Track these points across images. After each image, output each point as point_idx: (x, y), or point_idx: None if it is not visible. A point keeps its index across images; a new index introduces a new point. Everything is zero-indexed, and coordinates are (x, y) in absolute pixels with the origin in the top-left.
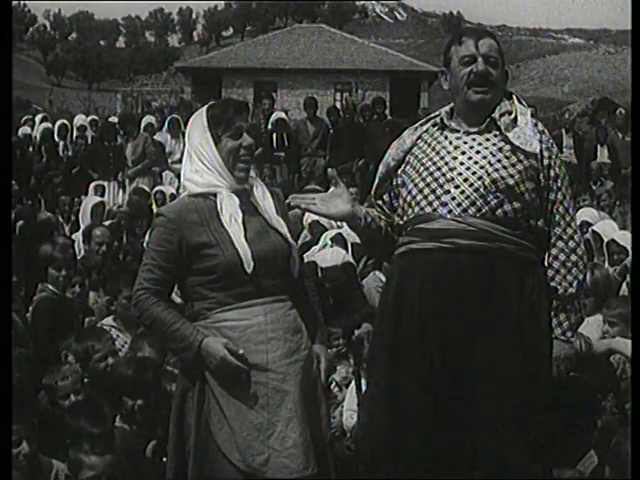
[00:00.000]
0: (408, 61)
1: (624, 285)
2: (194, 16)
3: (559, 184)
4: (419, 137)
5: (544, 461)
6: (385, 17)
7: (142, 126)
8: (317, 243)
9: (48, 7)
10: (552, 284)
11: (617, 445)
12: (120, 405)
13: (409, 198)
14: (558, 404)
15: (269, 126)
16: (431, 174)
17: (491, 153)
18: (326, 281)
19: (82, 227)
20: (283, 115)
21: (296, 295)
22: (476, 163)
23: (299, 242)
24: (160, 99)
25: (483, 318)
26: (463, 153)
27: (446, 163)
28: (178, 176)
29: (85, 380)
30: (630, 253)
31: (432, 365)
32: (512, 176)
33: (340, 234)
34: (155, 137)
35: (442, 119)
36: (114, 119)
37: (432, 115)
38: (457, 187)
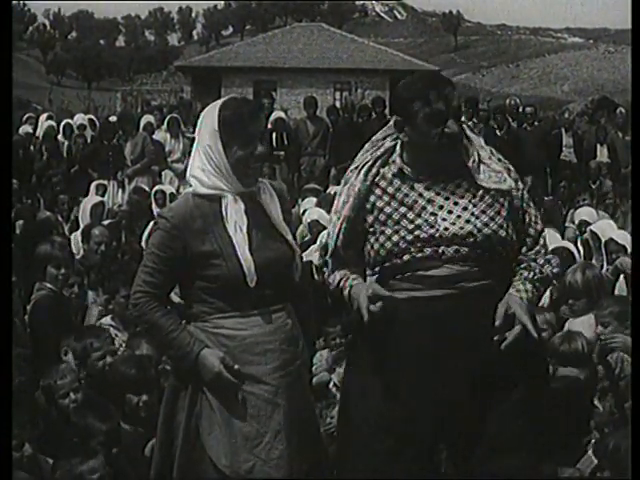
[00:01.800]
0: (408, 60)
1: (617, 284)
2: (194, 15)
3: (527, 202)
4: (373, 183)
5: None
6: (385, 16)
7: (141, 125)
8: (316, 242)
9: (48, 6)
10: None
11: (616, 445)
12: (120, 404)
13: (391, 257)
14: (553, 403)
15: (269, 125)
16: (411, 232)
17: (471, 202)
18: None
19: (81, 227)
20: (282, 114)
21: (296, 299)
22: (459, 217)
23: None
24: (160, 98)
25: (494, 351)
26: (441, 207)
27: (426, 221)
28: (178, 175)
29: (82, 378)
30: (630, 252)
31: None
32: (501, 226)
33: None
34: (154, 136)
35: (402, 170)
36: (113, 118)
37: (377, 151)
38: (448, 246)
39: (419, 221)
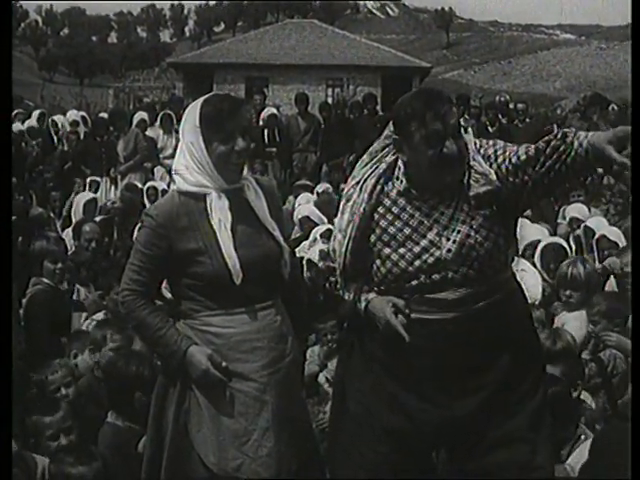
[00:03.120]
0: (400, 57)
1: (609, 282)
2: (186, 12)
3: (514, 162)
4: (377, 201)
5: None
6: (377, 13)
7: (134, 122)
8: (307, 238)
9: (40, 3)
10: None
11: (606, 441)
12: (118, 400)
13: (397, 271)
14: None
15: (260, 122)
16: (418, 256)
17: (471, 217)
18: (316, 277)
19: (73, 223)
20: (275, 111)
21: (286, 295)
22: (459, 232)
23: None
24: (152, 95)
25: (503, 370)
26: (445, 228)
27: (431, 242)
28: (169, 172)
29: (78, 373)
30: (621, 248)
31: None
32: (499, 234)
33: (330, 230)
34: (147, 133)
35: (408, 189)
36: (105, 115)
37: (379, 169)
38: (452, 262)
39: (425, 243)
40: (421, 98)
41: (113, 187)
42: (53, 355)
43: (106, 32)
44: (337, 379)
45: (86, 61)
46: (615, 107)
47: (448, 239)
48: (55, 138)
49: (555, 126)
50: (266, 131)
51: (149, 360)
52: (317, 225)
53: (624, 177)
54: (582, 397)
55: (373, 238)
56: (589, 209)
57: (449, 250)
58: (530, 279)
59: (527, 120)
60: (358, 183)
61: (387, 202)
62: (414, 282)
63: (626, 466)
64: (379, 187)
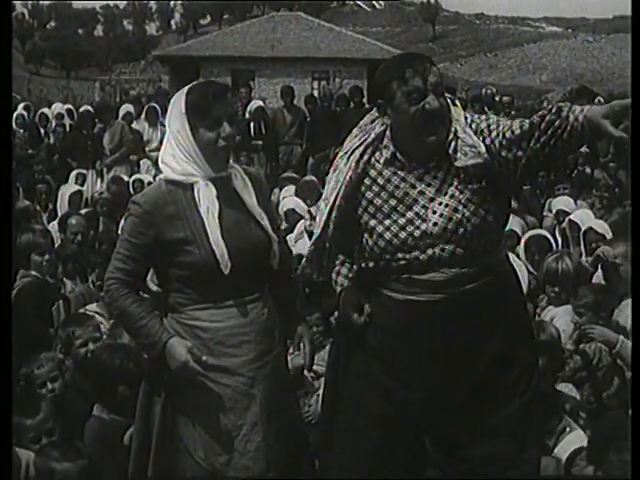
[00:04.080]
0: (386, 49)
1: (598, 274)
2: (172, 4)
3: (507, 136)
4: (364, 171)
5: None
6: (363, 5)
7: (120, 115)
8: (293, 231)
9: None
10: None
11: (594, 433)
12: (103, 392)
13: (385, 255)
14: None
15: (247, 114)
16: (403, 228)
17: (458, 190)
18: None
19: (59, 216)
20: (261, 103)
21: (275, 289)
22: (447, 206)
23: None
24: (138, 87)
25: (494, 354)
26: (432, 200)
27: (417, 214)
28: (156, 163)
29: (64, 368)
30: (622, 244)
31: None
32: (488, 211)
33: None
34: (133, 125)
35: (395, 156)
36: (88, 107)
37: (367, 138)
38: (439, 237)
39: (410, 215)
40: (401, 58)
41: (99, 180)
42: (40, 349)
43: (92, 25)
44: (329, 369)
45: (72, 54)
46: (601, 100)
47: (434, 212)
48: (42, 131)
49: None
50: (252, 124)
51: (134, 353)
52: (303, 218)
53: (609, 170)
54: (567, 390)
55: (360, 210)
56: (575, 202)
57: (435, 224)
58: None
59: (513, 113)
60: (346, 153)
61: (373, 173)
62: (401, 260)
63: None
64: (366, 157)
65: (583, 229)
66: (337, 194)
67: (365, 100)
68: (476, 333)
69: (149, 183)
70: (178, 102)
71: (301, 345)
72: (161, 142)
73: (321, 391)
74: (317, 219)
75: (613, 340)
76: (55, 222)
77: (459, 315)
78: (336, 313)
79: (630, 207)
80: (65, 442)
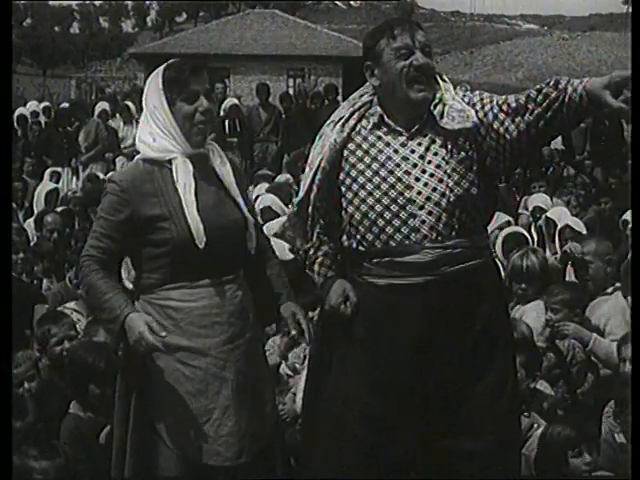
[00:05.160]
0: (361, 47)
1: (571, 271)
2: (147, 2)
3: (499, 104)
4: (349, 137)
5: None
6: (338, 3)
7: (96, 112)
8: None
9: None
10: None
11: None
12: (77, 390)
13: (367, 222)
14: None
15: (222, 112)
16: (385, 194)
17: (444, 159)
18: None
19: (35, 214)
20: (236, 101)
21: (251, 272)
22: (432, 176)
23: None
24: (114, 85)
25: (477, 340)
26: (415, 166)
27: (399, 179)
28: (131, 158)
29: (41, 366)
30: (594, 241)
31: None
32: (473, 183)
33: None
34: (109, 123)
35: (382, 117)
36: (66, 105)
37: (354, 106)
38: (422, 208)
39: (392, 179)
40: (390, 20)
41: (75, 177)
42: (16, 348)
43: (68, 22)
44: (312, 364)
45: (49, 51)
46: None
47: (418, 179)
48: (20, 130)
49: None
50: (227, 121)
51: (107, 352)
52: (279, 216)
53: (585, 168)
54: (540, 387)
55: (342, 175)
56: (550, 200)
57: (419, 192)
58: None
59: None
60: (333, 121)
61: (358, 139)
62: (382, 234)
63: None
64: (352, 122)
65: (559, 226)
66: (321, 157)
67: (340, 98)
68: (459, 319)
69: None
70: (155, 78)
71: (290, 322)
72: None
73: (300, 387)
74: (301, 183)
75: (586, 337)
76: (31, 220)
77: (442, 299)
78: (317, 311)
79: (631, 208)
80: (43, 441)
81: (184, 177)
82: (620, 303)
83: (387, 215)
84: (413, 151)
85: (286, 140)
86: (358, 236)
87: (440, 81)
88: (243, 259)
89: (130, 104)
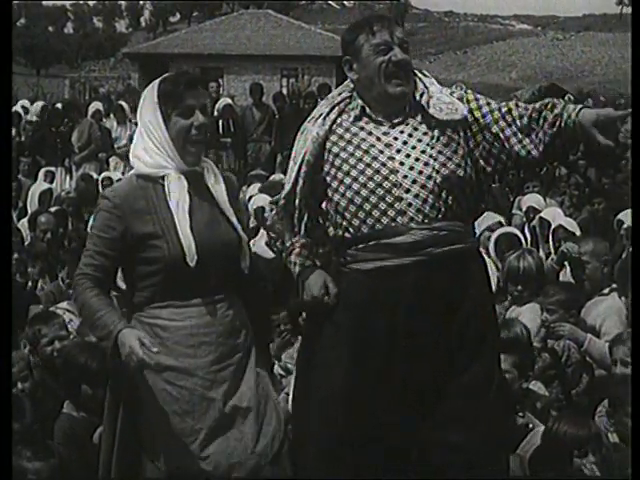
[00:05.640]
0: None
1: (567, 271)
2: (141, 2)
3: (502, 112)
4: (331, 129)
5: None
6: (332, 3)
7: (90, 112)
8: (261, 229)
9: None
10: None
11: (562, 431)
12: (70, 390)
13: (353, 208)
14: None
15: (215, 112)
16: (371, 179)
17: (428, 145)
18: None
19: (29, 214)
20: (230, 101)
21: (244, 292)
22: (418, 160)
23: None
24: (107, 85)
25: (465, 324)
26: (399, 151)
27: (383, 164)
28: (123, 160)
29: (32, 366)
30: (590, 241)
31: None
32: (459, 165)
33: None
34: (102, 123)
35: (363, 108)
36: (59, 105)
37: (333, 102)
38: (408, 191)
39: (376, 165)
40: (369, 17)
41: (68, 177)
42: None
43: (62, 22)
44: (300, 363)
45: (42, 51)
46: (571, 97)
47: (402, 163)
48: (13, 129)
49: None
50: (220, 121)
51: (99, 353)
52: None
53: (579, 168)
54: (534, 387)
55: (327, 167)
56: (544, 200)
57: (405, 176)
58: None
59: None
60: (313, 117)
61: (340, 130)
62: (369, 218)
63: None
64: (333, 115)
65: (553, 226)
66: (305, 151)
67: None
68: (447, 303)
69: (118, 181)
70: (150, 92)
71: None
72: (130, 140)
73: (291, 388)
74: (287, 177)
75: (581, 338)
76: (25, 220)
77: (430, 281)
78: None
79: (631, 208)
80: (37, 441)
81: (178, 194)
82: (616, 304)
83: (373, 199)
84: (396, 138)
85: (279, 140)
86: (344, 223)
87: (422, 76)
88: (236, 278)
89: (124, 104)
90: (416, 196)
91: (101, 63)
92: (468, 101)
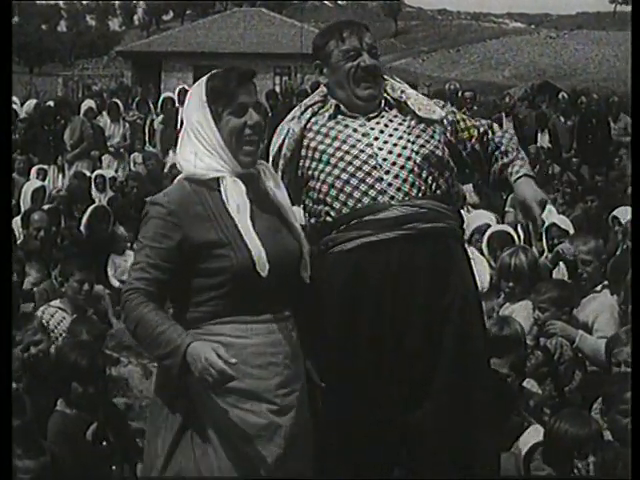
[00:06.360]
0: None
1: (556, 270)
2: (134, 0)
3: (472, 122)
4: (305, 127)
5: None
6: (325, 1)
7: (82, 110)
8: None
9: None
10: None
11: (557, 428)
12: (60, 388)
13: (334, 192)
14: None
15: None
16: (350, 163)
17: (405, 132)
18: None
19: (22, 211)
20: None
21: (303, 306)
22: (395, 145)
23: None
24: (101, 83)
25: (451, 303)
26: (376, 139)
27: (362, 151)
28: (116, 158)
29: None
30: (589, 240)
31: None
32: (437, 147)
33: None
34: (95, 121)
35: (337, 106)
36: (51, 103)
37: (308, 103)
38: (387, 172)
39: (355, 151)
40: (339, 23)
41: (60, 175)
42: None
43: (56, 20)
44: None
45: (36, 49)
46: (565, 95)
47: (381, 149)
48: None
49: (503, 114)
50: None
51: (90, 351)
52: None
53: (572, 166)
54: (528, 385)
55: (307, 162)
56: None
57: (384, 159)
58: (477, 267)
59: (475, 108)
60: (287, 120)
61: (315, 127)
62: (350, 199)
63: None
64: (307, 115)
65: (546, 225)
66: (280, 145)
67: None
68: (431, 281)
69: (111, 178)
70: (197, 90)
71: None
72: (123, 137)
73: None
74: None
75: (573, 335)
76: (18, 218)
77: (413, 256)
78: None
79: (631, 207)
80: (29, 440)
81: (236, 198)
82: (608, 301)
83: (353, 181)
84: (372, 128)
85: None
86: (326, 208)
87: (396, 82)
88: (299, 292)
89: (118, 102)
90: (396, 177)
91: (94, 61)
92: (449, 112)
